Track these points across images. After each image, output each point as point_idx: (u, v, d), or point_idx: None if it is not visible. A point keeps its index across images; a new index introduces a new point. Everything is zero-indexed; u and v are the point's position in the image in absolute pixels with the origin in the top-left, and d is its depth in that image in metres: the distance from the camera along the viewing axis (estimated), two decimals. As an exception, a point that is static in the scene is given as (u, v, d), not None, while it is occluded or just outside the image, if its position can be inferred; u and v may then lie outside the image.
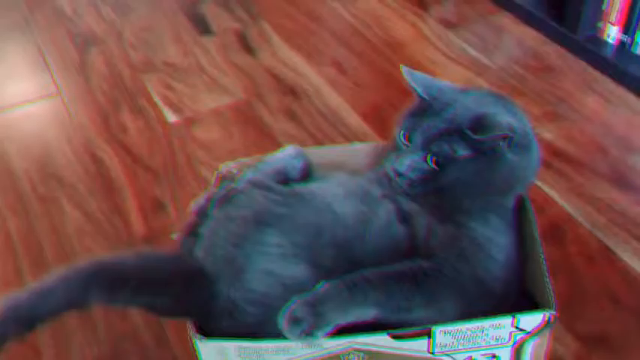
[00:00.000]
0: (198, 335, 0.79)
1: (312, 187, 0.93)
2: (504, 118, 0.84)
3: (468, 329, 0.78)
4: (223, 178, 1.01)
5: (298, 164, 1.02)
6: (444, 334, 0.78)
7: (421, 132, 0.86)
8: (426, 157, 0.85)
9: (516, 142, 0.85)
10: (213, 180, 1.02)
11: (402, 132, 0.88)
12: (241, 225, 0.86)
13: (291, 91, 1.64)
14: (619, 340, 1.10)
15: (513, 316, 0.77)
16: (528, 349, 0.81)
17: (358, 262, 0.84)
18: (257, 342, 0.79)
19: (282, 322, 0.77)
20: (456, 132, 0.84)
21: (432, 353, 0.80)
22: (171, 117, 1.60)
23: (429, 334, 0.78)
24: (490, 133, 0.82)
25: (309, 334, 0.77)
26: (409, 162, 0.86)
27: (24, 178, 1.46)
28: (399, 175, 0.86)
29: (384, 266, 0.82)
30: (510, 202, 0.91)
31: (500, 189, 0.87)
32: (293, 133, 1.51)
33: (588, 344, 1.09)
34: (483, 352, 0.80)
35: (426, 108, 0.87)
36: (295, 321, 0.77)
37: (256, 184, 0.91)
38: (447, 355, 0.80)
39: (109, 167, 1.48)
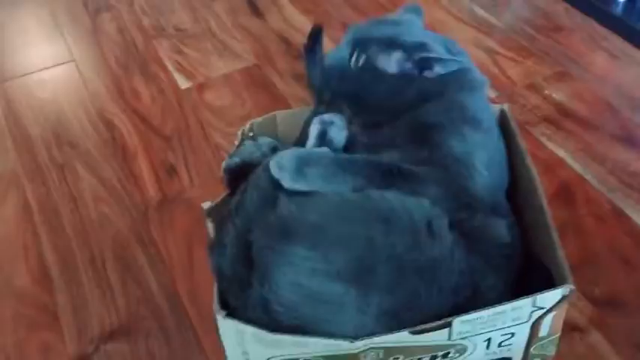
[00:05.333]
0: (220, 311, 0.71)
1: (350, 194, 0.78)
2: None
3: (487, 315, 0.70)
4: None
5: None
6: (462, 323, 0.70)
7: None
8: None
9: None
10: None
11: None
12: (264, 233, 0.73)
13: (300, 54, 1.54)
14: (632, 301, 1.02)
15: (533, 298, 0.70)
16: (547, 323, 0.74)
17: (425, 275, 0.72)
18: (274, 334, 0.69)
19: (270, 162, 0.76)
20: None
21: (451, 340, 0.72)
22: (183, 83, 1.51)
23: (448, 325, 0.70)
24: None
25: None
26: None
27: (40, 145, 1.39)
28: None
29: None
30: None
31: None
32: (303, 96, 1.42)
33: (602, 307, 1.02)
34: (502, 332, 0.73)
35: None
36: (280, 167, 0.76)
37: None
38: (466, 339, 0.72)
39: (122, 133, 1.40)
